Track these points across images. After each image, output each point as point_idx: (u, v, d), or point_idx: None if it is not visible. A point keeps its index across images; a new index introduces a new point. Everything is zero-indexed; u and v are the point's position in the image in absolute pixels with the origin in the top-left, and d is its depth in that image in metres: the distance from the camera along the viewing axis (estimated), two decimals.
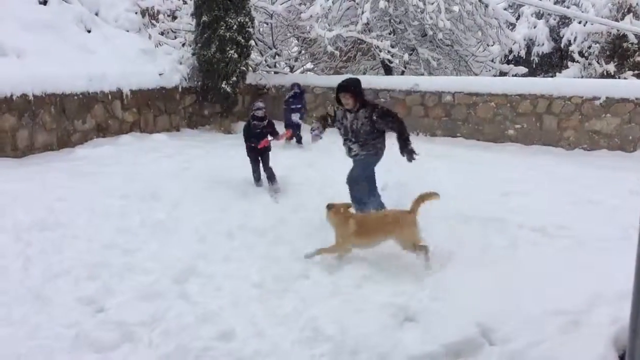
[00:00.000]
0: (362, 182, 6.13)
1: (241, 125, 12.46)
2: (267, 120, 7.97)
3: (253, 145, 7.87)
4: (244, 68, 12.60)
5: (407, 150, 5.81)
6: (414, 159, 5.82)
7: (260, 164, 8.00)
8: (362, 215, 5.58)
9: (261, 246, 5.56)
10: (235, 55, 12.02)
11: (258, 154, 7.98)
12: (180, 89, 12.21)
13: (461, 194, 7.26)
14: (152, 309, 4.17)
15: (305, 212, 6.56)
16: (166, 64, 12.07)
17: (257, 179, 8.02)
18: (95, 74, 10.30)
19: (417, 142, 11.03)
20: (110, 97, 10.58)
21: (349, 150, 6.21)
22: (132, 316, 4.04)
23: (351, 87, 6.09)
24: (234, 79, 12.23)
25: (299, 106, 11.46)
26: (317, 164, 9.03)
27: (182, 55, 12.60)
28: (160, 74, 11.72)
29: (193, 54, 12.42)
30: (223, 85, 12.12)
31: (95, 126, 10.40)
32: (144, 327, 3.90)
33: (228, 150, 10.00)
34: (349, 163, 6.28)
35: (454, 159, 9.68)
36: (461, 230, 5.96)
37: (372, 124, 5.94)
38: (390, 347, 3.67)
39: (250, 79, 13.56)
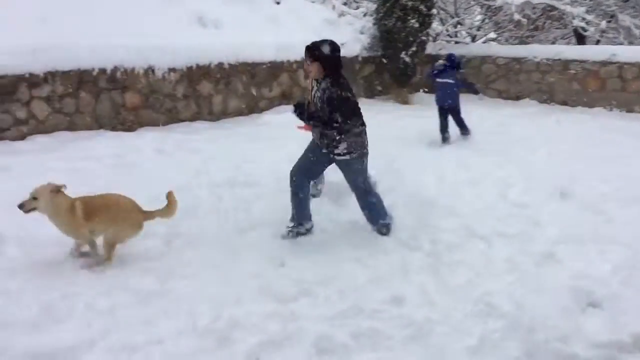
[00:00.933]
0: (368, 193, 4.99)
1: (419, 96, 12.46)
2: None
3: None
4: (424, 38, 12.44)
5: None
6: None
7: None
8: (89, 196, 4.43)
9: (433, 216, 5.54)
10: (417, 25, 11.88)
11: None
12: (360, 59, 12.41)
13: None
14: (328, 269, 4.37)
15: (478, 185, 6.41)
16: (348, 33, 12.31)
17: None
18: (282, 43, 10.84)
19: (610, 118, 10.30)
20: (295, 66, 11.09)
21: (320, 135, 4.84)
22: (309, 273, 4.27)
23: (315, 50, 4.61)
24: (414, 48, 12.12)
25: (451, 81, 8.60)
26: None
27: (363, 25, 12.76)
28: (341, 44, 11.96)
29: (374, 24, 12.51)
30: (402, 55, 12.09)
31: (280, 94, 10.99)
32: (321, 284, 4.09)
33: (403, 121, 10.01)
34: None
35: None
36: None
37: (325, 100, 4.60)
38: (570, 330, 3.47)
39: (430, 48, 13.33)
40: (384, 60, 12.51)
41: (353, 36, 12.34)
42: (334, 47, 4.62)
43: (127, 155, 7.21)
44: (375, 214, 5.04)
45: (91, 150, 7.34)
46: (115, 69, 8.52)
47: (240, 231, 5.05)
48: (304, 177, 4.95)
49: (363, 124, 4.81)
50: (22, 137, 7.70)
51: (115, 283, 4.03)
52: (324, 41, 4.66)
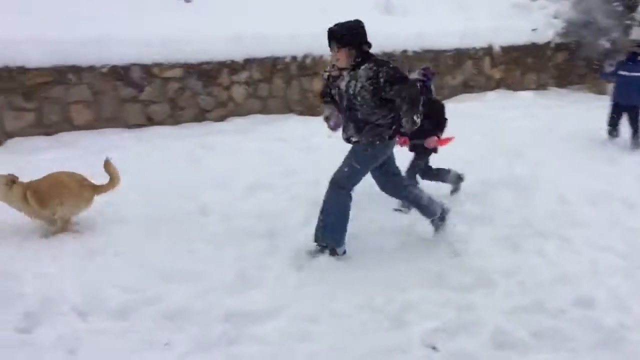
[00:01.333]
0: (341, 189, 4.29)
1: None
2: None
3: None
4: (629, 22, 11.33)
5: (410, 120, 3.99)
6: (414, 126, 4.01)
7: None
8: (36, 180, 4.45)
9: (627, 215, 5.11)
10: (621, 7, 10.87)
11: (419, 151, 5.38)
12: (552, 45, 11.68)
13: None
14: (509, 260, 4.26)
15: None
16: (540, 18, 11.66)
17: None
18: (467, 30, 10.58)
19: None
20: (481, 53, 10.76)
21: (344, 128, 4.36)
22: (489, 263, 4.18)
23: (341, 34, 4.03)
24: (616, 34, 11.11)
25: None
26: None
27: (557, 8, 11.96)
28: (533, 30, 11.38)
29: (571, 7, 11.68)
30: (601, 42, 11.14)
31: (463, 82, 10.75)
32: (501, 275, 4.00)
33: (597, 113, 9.24)
34: None
35: None
36: None
37: (375, 89, 4.02)
38: None
39: (636, 34, 12.12)
40: (580, 47, 11.62)
41: (545, 21, 11.66)
42: (356, 27, 4.05)
43: (313, 138, 7.58)
44: (327, 229, 4.32)
45: (281, 132, 7.86)
46: (305, 56, 8.98)
47: (416, 219, 5.06)
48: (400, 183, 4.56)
49: (392, 113, 4.17)
50: (222, 119, 8.48)
51: (300, 259, 4.30)
52: (344, 23, 4.07)
